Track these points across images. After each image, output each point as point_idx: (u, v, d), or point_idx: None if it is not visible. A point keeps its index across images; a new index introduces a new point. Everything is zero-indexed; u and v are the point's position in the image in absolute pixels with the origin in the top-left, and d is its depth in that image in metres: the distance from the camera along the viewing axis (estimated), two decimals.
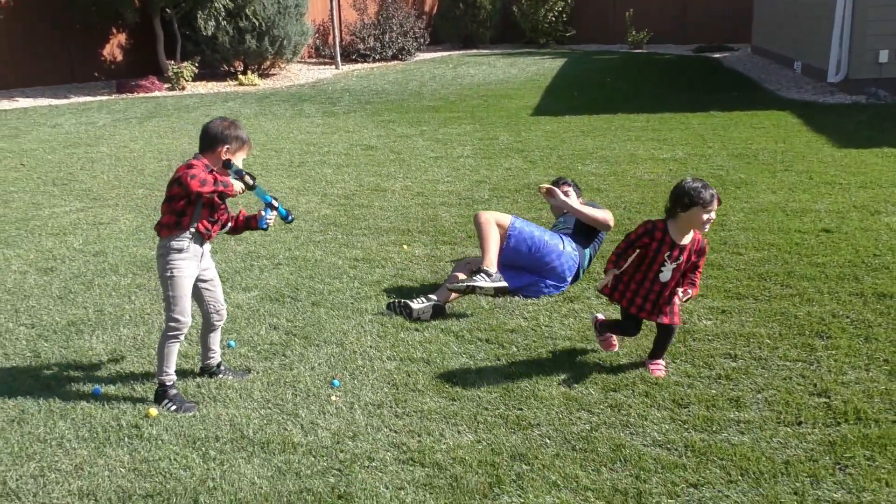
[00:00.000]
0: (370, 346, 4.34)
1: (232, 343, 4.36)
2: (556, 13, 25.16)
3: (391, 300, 4.89)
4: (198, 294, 3.85)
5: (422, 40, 23.17)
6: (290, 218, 3.94)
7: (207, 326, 3.95)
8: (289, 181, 8.40)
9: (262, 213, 3.88)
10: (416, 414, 3.64)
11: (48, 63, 16.89)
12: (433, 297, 4.83)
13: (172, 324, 3.70)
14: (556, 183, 5.57)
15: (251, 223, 3.93)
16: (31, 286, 5.37)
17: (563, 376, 3.98)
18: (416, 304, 4.75)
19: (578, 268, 5.25)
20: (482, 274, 4.83)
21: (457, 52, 24.41)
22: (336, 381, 3.91)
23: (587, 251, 5.36)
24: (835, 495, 3.01)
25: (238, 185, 3.70)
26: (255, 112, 13.35)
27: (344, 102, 14.32)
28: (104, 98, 15.56)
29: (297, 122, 12.31)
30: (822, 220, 6.37)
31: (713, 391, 3.80)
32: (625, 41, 24.93)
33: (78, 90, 16.44)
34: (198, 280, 3.81)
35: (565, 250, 5.15)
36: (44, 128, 12.11)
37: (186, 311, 3.73)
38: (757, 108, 12.07)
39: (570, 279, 5.18)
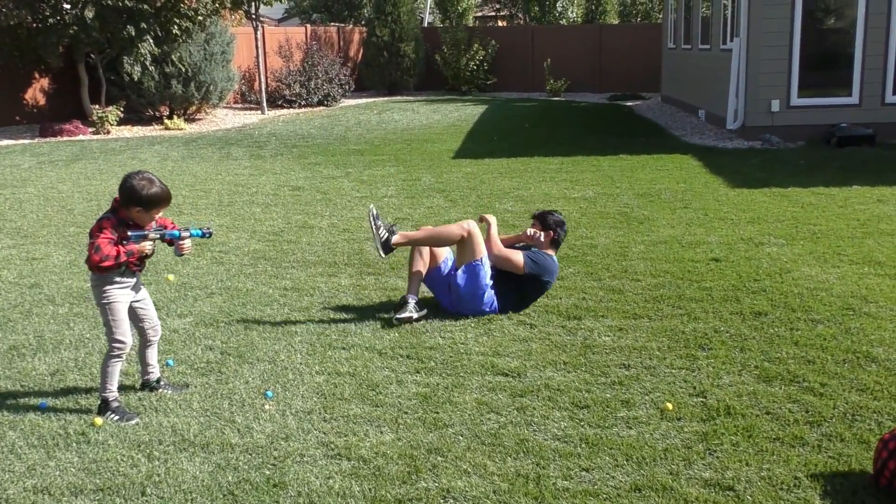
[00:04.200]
0: (300, 363, 4.72)
1: (170, 362, 4.67)
2: (478, 62, 26.17)
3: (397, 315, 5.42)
4: (132, 313, 4.17)
5: (347, 87, 23.77)
6: (208, 233, 4.21)
7: (144, 342, 4.26)
8: (218, 219, 8.72)
9: (178, 242, 4.12)
10: (343, 418, 4.03)
11: None
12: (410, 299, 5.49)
13: (116, 345, 4.02)
14: (540, 216, 5.86)
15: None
16: None
17: (475, 385, 4.42)
18: (415, 314, 5.38)
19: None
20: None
21: (381, 99, 25.10)
22: (269, 393, 4.27)
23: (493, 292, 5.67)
24: (704, 474, 3.51)
25: (146, 245, 4.00)
26: (183, 155, 13.60)
27: (271, 146, 14.70)
28: (27, 141, 15.59)
29: (224, 164, 12.62)
30: (712, 251, 7.03)
31: (608, 395, 4.29)
32: (544, 89, 26.03)
33: (0, 134, 16.40)
34: (132, 302, 4.13)
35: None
36: None
37: (127, 333, 4.05)
38: (663, 152, 12.94)
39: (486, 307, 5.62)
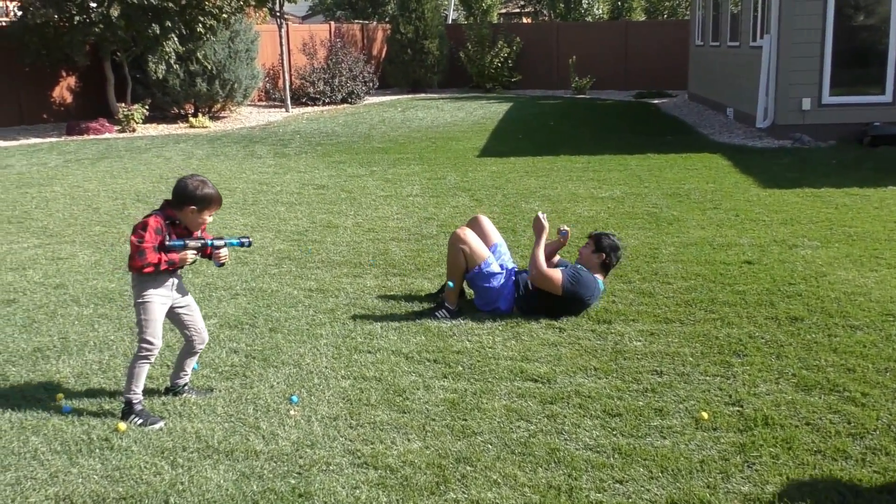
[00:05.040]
0: (326, 367, 4.64)
1: (195, 365, 4.61)
2: (502, 59, 26.02)
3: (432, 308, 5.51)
4: (178, 320, 4.16)
5: (371, 84, 23.73)
6: (246, 242, 4.17)
7: (188, 349, 4.23)
8: (243, 218, 8.67)
9: (215, 252, 4.10)
10: (369, 425, 3.94)
11: None
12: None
13: (144, 345, 3.97)
14: (596, 237, 5.72)
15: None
16: None
17: (504, 391, 4.32)
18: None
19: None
20: (443, 310, 5.45)
21: (405, 96, 25.03)
22: (294, 398, 4.20)
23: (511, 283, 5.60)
24: (742, 488, 3.39)
25: (189, 254, 4.00)
26: (208, 153, 13.60)
27: (295, 144, 14.67)
28: (54, 139, 15.67)
29: (249, 162, 12.60)
30: (744, 253, 6.87)
31: (640, 403, 4.18)
32: (569, 87, 25.85)
33: (27, 132, 16.53)
34: (175, 306, 4.10)
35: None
36: None
37: (158, 334, 4.00)
38: (691, 151, 12.75)
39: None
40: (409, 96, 25.14)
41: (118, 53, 16.90)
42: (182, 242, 3.98)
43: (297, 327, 5.31)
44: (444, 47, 26.19)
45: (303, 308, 5.71)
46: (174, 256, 3.95)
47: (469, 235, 5.53)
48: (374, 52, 27.23)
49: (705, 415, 3.99)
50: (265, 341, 5.06)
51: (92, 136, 16.05)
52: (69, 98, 18.30)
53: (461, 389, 4.35)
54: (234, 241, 4.14)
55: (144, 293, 3.98)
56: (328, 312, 5.62)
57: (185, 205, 3.96)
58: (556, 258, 5.98)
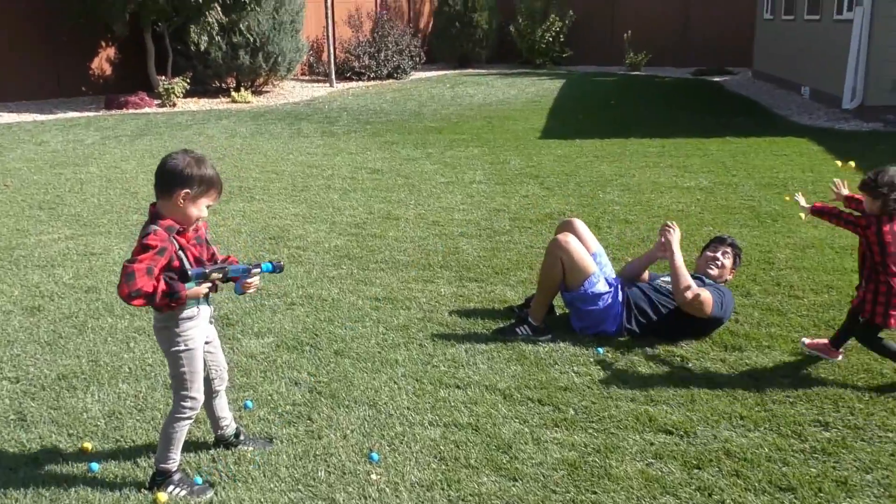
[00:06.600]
0: (407, 408, 3.80)
1: (249, 404, 3.79)
2: (554, 33, 24.83)
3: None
4: None
5: (417, 59, 22.78)
6: (279, 267, 3.27)
7: (209, 394, 3.29)
8: (293, 207, 7.85)
9: (244, 280, 3.14)
10: (474, 498, 3.09)
11: (34, 76, 16.30)
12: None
13: (187, 403, 3.09)
14: (721, 241, 4.94)
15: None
16: (16, 329, 4.77)
17: (635, 448, 3.45)
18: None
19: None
20: (525, 325, 4.50)
21: (452, 72, 24.02)
22: (375, 455, 3.36)
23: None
24: None
25: (204, 287, 3.00)
26: (252, 131, 12.79)
27: (343, 122, 13.81)
28: (92, 114, 14.97)
29: (295, 142, 11.77)
30: None
31: (813, 470, 3.28)
32: (622, 63, 24.65)
33: (64, 105, 15.84)
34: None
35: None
36: (29, 145, 11.50)
37: (202, 387, 3.14)
38: (773, 135, 11.67)
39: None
40: (457, 72, 24.11)
41: (159, 24, 16.11)
42: (203, 271, 2.96)
43: (367, 350, 4.46)
44: (493, 20, 25.06)
45: (371, 324, 4.86)
46: (183, 291, 2.92)
47: (572, 244, 4.62)
48: (421, 26, 26.20)
49: None
50: (331, 369, 4.22)
51: (131, 111, 15.33)
52: (108, 70, 17.58)
53: (580, 445, 3.47)
54: (268, 265, 3.21)
55: (184, 334, 3.03)
56: (401, 330, 4.76)
57: (176, 189, 2.91)
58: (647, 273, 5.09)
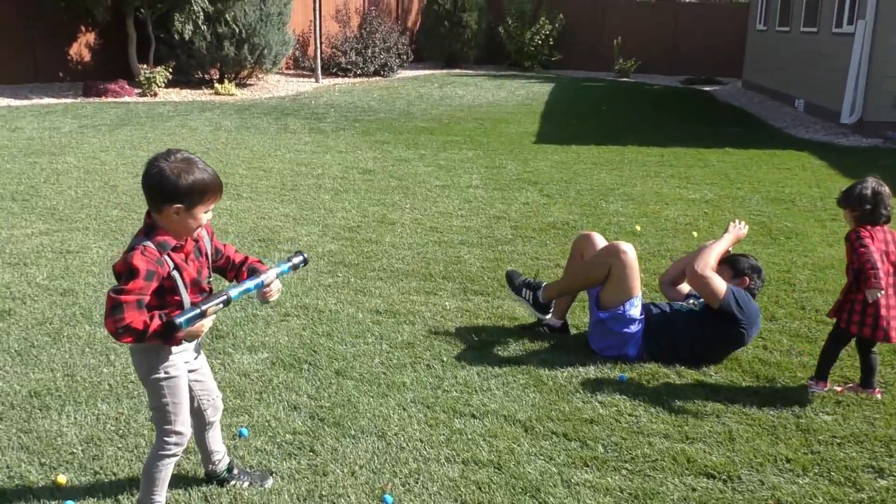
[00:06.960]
0: (420, 440, 3.42)
1: (244, 431, 3.40)
2: (543, 36, 24.54)
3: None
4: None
5: (405, 57, 22.39)
6: (301, 262, 2.89)
7: (201, 426, 2.91)
8: (282, 207, 7.45)
9: (261, 290, 2.74)
10: None
11: (9, 59, 15.69)
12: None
13: (171, 439, 2.68)
14: (731, 260, 4.56)
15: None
16: None
17: (676, 494, 3.10)
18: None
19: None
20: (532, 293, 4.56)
21: (440, 72, 23.65)
22: (388, 497, 2.98)
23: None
24: None
25: (207, 322, 2.57)
26: (237, 125, 12.34)
27: (331, 119, 13.39)
28: (69, 101, 14.43)
29: (283, 138, 11.34)
30: None
31: None
32: (611, 69, 24.43)
33: (41, 91, 15.28)
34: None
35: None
36: (2, 131, 10.98)
37: (188, 420, 2.74)
38: (773, 147, 11.43)
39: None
40: (445, 71, 23.74)
41: (142, 10, 15.58)
42: (198, 310, 2.48)
43: (371, 371, 4.09)
44: (483, 21, 24.73)
45: (373, 340, 4.48)
46: (180, 333, 2.49)
47: (632, 256, 4.25)
48: (409, 24, 25.79)
49: None
50: (333, 392, 3.83)
51: (111, 99, 14.80)
52: (87, 56, 16.99)
53: (615, 489, 3.12)
54: (285, 267, 2.82)
55: (164, 364, 2.62)
56: (406, 348, 4.39)
57: (165, 205, 2.51)
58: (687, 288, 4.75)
